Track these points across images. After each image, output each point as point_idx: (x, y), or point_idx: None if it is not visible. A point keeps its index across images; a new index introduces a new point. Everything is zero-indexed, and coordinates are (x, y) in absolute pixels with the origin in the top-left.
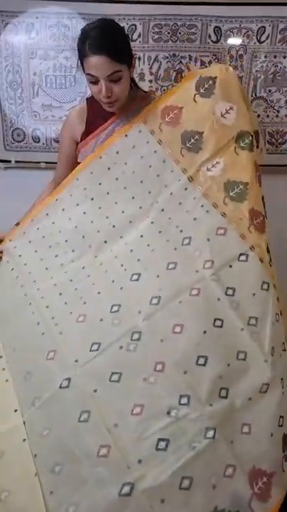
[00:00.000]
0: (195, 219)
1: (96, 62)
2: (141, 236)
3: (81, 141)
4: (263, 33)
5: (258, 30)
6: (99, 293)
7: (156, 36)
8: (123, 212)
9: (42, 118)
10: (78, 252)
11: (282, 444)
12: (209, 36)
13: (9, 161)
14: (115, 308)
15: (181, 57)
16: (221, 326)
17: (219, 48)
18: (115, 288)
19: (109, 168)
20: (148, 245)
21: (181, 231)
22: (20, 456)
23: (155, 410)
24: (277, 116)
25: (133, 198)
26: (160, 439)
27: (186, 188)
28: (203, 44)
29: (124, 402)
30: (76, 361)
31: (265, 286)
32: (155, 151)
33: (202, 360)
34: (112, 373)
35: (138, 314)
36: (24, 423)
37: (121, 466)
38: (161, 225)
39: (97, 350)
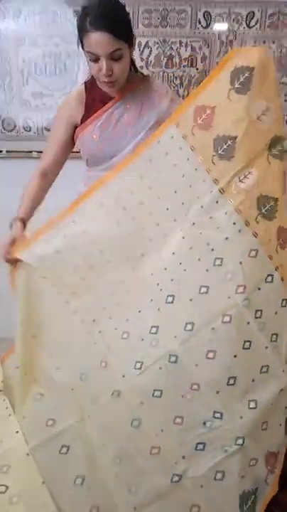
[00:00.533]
0: (226, 238)
1: (98, 38)
2: (173, 253)
3: (81, 124)
4: (253, 17)
5: (247, 15)
6: (139, 311)
7: (146, 22)
8: (158, 224)
9: (32, 106)
10: (114, 264)
11: (284, 428)
12: (199, 21)
13: (0, 151)
14: (153, 329)
15: (171, 42)
16: (249, 348)
17: (209, 33)
18: (153, 308)
19: (141, 177)
20: (180, 264)
21: (212, 250)
22: (84, 448)
23: (193, 422)
24: None
25: (167, 209)
26: (198, 443)
27: (217, 201)
28: (193, 29)
29: (167, 414)
30: (123, 376)
31: (284, 303)
32: (187, 159)
33: (232, 381)
34: (154, 390)
35: (174, 339)
36: (89, 416)
37: (170, 461)
38: (192, 240)
39: (140, 368)
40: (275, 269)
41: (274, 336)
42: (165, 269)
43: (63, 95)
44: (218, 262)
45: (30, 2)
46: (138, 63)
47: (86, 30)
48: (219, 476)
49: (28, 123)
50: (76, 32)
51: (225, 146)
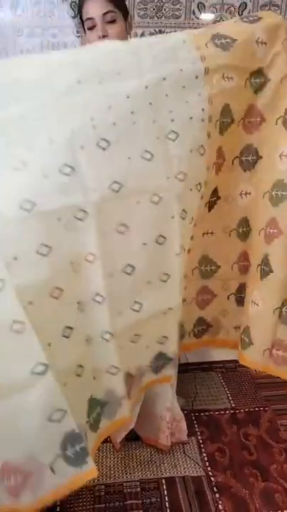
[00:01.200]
0: (191, 118)
1: (93, 3)
2: (128, 97)
3: None
4: (245, 8)
5: (239, 6)
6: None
7: (142, 12)
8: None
9: None
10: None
11: (152, 357)
12: (193, 12)
13: None
14: (67, 170)
15: (167, 33)
16: (161, 244)
17: (203, 23)
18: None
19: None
20: (132, 113)
21: (172, 120)
22: None
23: (70, 297)
24: None
25: (135, 53)
26: (67, 327)
27: (197, 77)
28: (188, 20)
29: (45, 281)
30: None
31: (193, 220)
32: (184, 41)
33: (129, 269)
34: (41, 245)
35: (93, 192)
36: None
37: (34, 346)
38: (154, 96)
39: (28, 210)
40: (204, 184)
41: (182, 249)
42: (110, 108)
43: None
44: (172, 136)
45: None
46: None
47: (83, 1)
48: (79, 370)
49: None
50: (73, 24)
51: (223, 41)
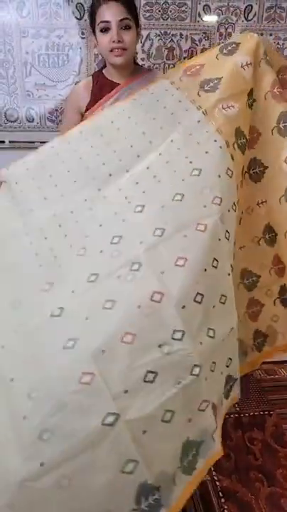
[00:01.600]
0: (206, 152)
1: (110, 7)
2: (148, 168)
3: (86, 111)
4: (251, 11)
5: (245, 9)
6: (100, 225)
7: (147, 14)
8: (131, 146)
9: (35, 97)
10: (80, 184)
11: (224, 382)
12: (199, 14)
13: (3, 142)
14: (116, 239)
15: (172, 35)
16: (216, 267)
17: (209, 25)
18: (117, 220)
19: (123, 110)
20: (155, 176)
21: (191, 162)
22: None
23: (146, 342)
24: None
25: (143, 133)
26: (149, 371)
27: (199, 121)
28: (193, 22)
29: (115, 329)
30: (72, 292)
31: (234, 240)
32: (172, 95)
33: (199, 298)
34: (106, 301)
35: (140, 245)
36: (3, 347)
37: (106, 396)
38: (170, 154)
39: (94, 281)
40: (237, 202)
41: (231, 268)
42: (137, 183)
43: (66, 86)
44: (196, 172)
45: None
46: (140, 55)
47: (99, 3)
48: (167, 416)
49: (31, 114)
50: (79, 25)
51: (211, 84)
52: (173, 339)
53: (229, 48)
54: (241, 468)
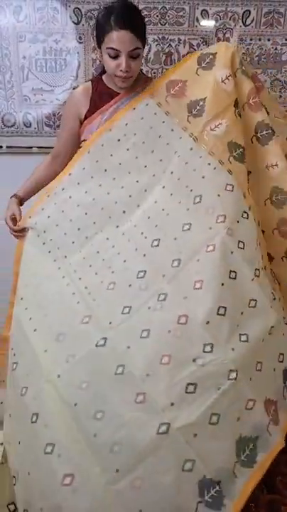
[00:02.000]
0: (203, 177)
1: (122, 36)
2: (155, 202)
3: (85, 119)
4: (249, 16)
5: (243, 14)
6: (124, 261)
7: (145, 19)
8: (137, 181)
9: (33, 102)
10: (99, 224)
11: (282, 377)
12: (197, 19)
13: (0, 147)
14: (141, 274)
15: (170, 40)
16: (235, 278)
17: (207, 30)
18: (139, 255)
19: (119, 140)
20: (163, 210)
21: (191, 190)
22: (59, 409)
23: (182, 359)
24: None
25: (145, 166)
26: (189, 384)
27: (191, 148)
28: (191, 27)
29: (153, 355)
30: (110, 323)
31: (258, 244)
32: (163, 122)
33: (222, 311)
34: (142, 330)
35: (163, 278)
36: (59, 376)
37: (157, 410)
38: (172, 187)
39: (128, 313)
40: (249, 209)
41: (257, 271)
42: (149, 217)
43: (63, 91)
44: (197, 199)
45: None
46: None
47: (110, 28)
48: (214, 419)
49: (28, 119)
50: (76, 30)
51: (198, 107)
52: (205, 352)
53: (207, 60)
54: None
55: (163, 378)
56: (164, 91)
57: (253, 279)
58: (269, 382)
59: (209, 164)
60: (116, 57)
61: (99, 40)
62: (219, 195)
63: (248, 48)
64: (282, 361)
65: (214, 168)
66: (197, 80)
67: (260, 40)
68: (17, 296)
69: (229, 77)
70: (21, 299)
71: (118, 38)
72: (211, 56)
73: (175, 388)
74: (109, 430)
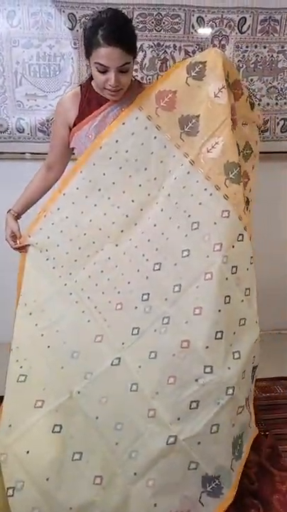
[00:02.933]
0: (200, 204)
1: (110, 53)
2: (155, 225)
3: (74, 125)
4: (244, 23)
5: (239, 21)
6: (129, 283)
7: (141, 25)
8: (132, 201)
9: (26, 107)
10: (99, 243)
11: (252, 375)
12: (193, 26)
13: None
14: (145, 297)
15: (166, 46)
16: (229, 302)
17: (202, 37)
18: (142, 278)
19: (110, 158)
20: (163, 234)
21: (189, 216)
22: (78, 423)
23: (185, 380)
24: (259, 104)
25: (139, 185)
26: (192, 401)
27: (189, 172)
28: (187, 34)
29: (161, 375)
30: (123, 344)
31: (252, 260)
32: (155, 137)
33: (219, 335)
34: (150, 352)
35: (165, 301)
36: (79, 392)
37: (165, 424)
38: (170, 210)
39: (137, 334)
40: (244, 229)
41: (247, 291)
42: (149, 240)
43: (57, 97)
44: (195, 226)
45: (25, 4)
46: None
47: (98, 43)
48: (214, 429)
49: (22, 124)
50: (71, 35)
51: (191, 124)
52: (205, 373)
53: (197, 69)
54: (236, 493)
55: (170, 396)
56: (153, 103)
57: (242, 301)
58: (247, 383)
59: (205, 190)
60: (104, 72)
61: (88, 52)
62: (215, 223)
63: (244, 55)
64: (253, 362)
65: (211, 195)
66: (187, 91)
67: (256, 47)
68: (23, 310)
69: (223, 89)
70: (30, 314)
71: (106, 54)
72: (200, 65)
73: (180, 405)
74: (128, 439)
